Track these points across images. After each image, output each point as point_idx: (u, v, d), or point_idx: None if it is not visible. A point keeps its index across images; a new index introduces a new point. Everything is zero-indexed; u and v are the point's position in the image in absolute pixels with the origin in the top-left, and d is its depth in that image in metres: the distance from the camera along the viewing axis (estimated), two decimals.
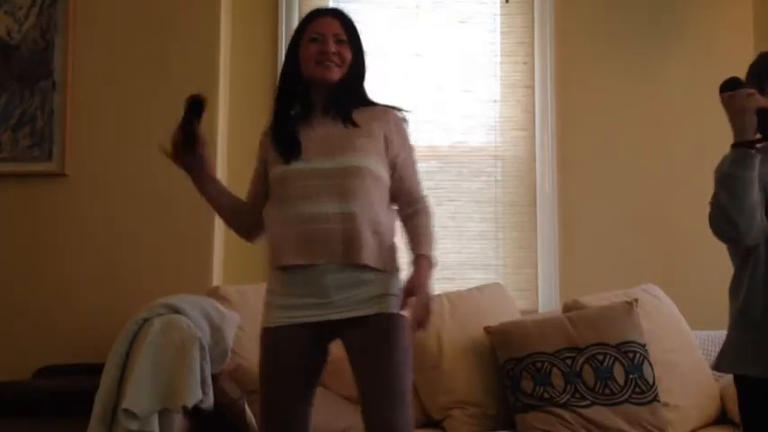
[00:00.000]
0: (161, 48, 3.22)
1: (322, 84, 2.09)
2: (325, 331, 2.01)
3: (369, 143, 2.05)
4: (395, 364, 1.97)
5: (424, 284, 1.96)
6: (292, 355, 2.00)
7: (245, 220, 2.20)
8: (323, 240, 1.96)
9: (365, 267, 1.98)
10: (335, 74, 2.08)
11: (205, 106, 2.08)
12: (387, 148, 2.07)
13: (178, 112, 3.15)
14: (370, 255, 1.97)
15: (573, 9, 3.57)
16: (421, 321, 1.93)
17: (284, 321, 2.00)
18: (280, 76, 2.21)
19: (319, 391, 2.39)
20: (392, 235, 2.08)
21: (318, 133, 2.06)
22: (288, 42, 3.37)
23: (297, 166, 2.03)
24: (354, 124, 2.06)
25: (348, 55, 2.10)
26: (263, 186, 2.15)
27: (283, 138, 2.08)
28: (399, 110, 2.15)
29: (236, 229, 2.23)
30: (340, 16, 2.13)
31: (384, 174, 2.05)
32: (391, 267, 2.05)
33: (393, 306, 1.99)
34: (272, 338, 2.02)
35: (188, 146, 2.12)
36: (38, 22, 3.19)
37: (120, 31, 3.22)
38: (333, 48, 2.07)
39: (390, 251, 2.06)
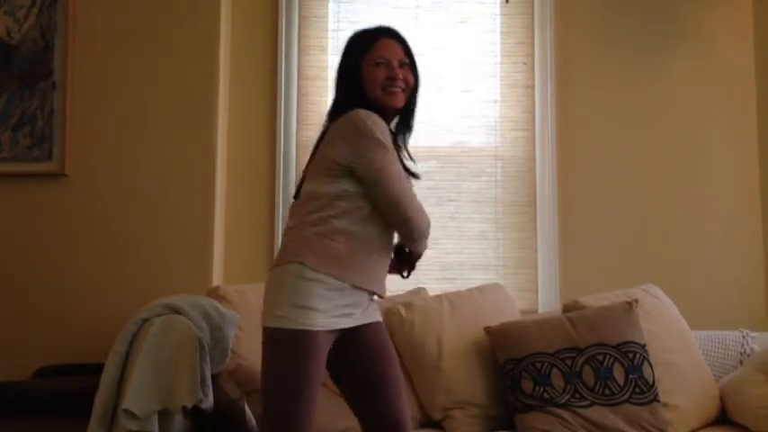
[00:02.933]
0: (161, 48, 3.22)
1: (389, 109, 2.09)
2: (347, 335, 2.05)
3: None
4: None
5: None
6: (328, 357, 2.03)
7: None
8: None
9: None
10: (401, 100, 2.10)
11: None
12: None
13: (177, 112, 3.20)
14: None
15: (573, 9, 3.57)
16: None
17: (338, 325, 1.99)
18: (339, 96, 2.13)
19: (319, 391, 2.39)
20: None
21: None
22: (286, 44, 3.47)
23: None
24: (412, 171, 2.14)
25: (411, 79, 2.12)
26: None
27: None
28: None
29: None
30: (400, 39, 2.14)
31: None
32: None
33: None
34: (326, 340, 1.98)
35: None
36: (38, 22, 3.19)
37: (120, 32, 3.22)
38: (400, 74, 2.08)
39: None
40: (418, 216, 2.00)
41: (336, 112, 2.08)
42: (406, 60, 2.11)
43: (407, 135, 2.18)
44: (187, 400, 2.21)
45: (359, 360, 2.08)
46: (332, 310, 1.94)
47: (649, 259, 3.45)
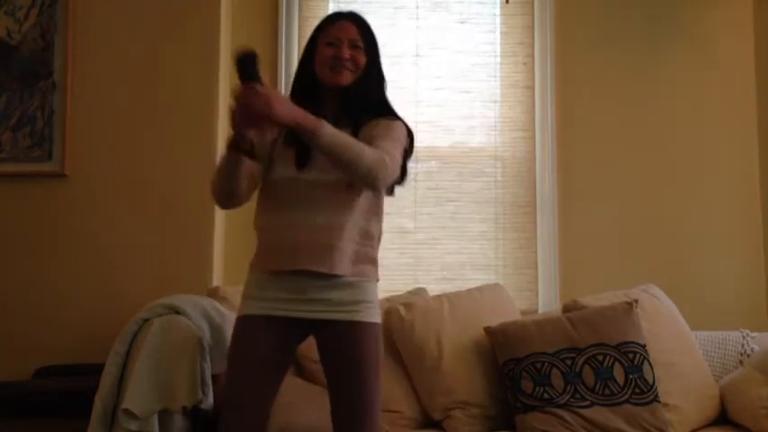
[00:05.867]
0: (161, 48, 3.22)
1: (334, 87, 2.11)
2: (297, 328, 2.04)
3: None
4: (363, 378, 2.00)
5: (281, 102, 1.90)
6: (262, 342, 2.02)
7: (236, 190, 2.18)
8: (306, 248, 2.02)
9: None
10: (347, 78, 2.10)
11: (257, 59, 1.88)
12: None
13: (178, 112, 3.19)
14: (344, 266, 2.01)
15: (573, 9, 3.57)
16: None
17: (259, 312, 2.03)
18: (294, 76, 2.22)
19: (318, 391, 2.39)
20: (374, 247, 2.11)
21: None
22: (286, 44, 3.47)
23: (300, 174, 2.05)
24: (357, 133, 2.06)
25: (362, 60, 2.12)
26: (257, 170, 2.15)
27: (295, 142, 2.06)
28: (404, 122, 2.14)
29: (219, 194, 2.23)
30: (358, 21, 2.15)
31: None
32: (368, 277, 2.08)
33: (368, 315, 2.03)
34: (245, 326, 2.04)
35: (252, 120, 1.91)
36: (38, 22, 3.19)
37: (119, 32, 3.22)
38: (347, 53, 2.09)
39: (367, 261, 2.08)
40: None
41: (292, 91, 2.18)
42: (360, 43, 2.11)
43: (363, 117, 2.10)
44: (187, 400, 2.21)
45: (321, 358, 2.10)
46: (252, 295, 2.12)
47: (649, 259, 3.45)
